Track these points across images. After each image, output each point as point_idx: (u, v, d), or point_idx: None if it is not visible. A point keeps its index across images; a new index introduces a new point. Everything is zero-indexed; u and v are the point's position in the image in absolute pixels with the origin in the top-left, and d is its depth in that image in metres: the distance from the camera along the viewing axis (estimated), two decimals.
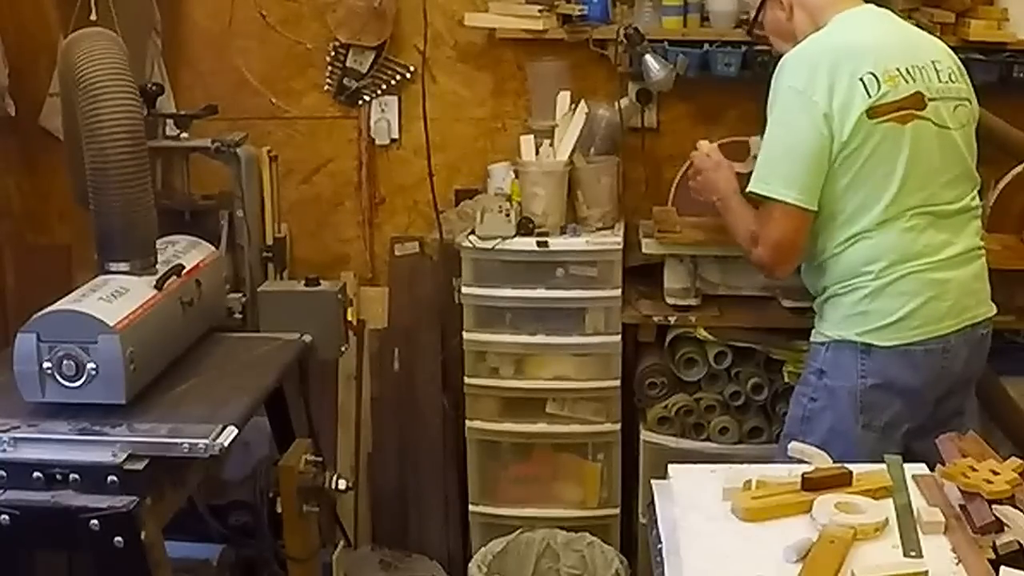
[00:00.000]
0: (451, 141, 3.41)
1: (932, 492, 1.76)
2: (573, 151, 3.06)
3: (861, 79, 2.30)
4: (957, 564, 1.58)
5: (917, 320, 2.34)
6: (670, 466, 1.91)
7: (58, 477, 1.92)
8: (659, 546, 1.75)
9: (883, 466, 1.84)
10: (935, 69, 2.40)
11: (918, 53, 2.40)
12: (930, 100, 2.35)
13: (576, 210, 3.10)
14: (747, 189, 2.40)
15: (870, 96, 2.29)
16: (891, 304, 2.34)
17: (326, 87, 3.40)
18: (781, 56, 2.44)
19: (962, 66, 2.49)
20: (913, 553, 1.60)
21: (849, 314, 2.38)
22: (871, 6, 2.47)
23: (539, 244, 3.01)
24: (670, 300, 3.04)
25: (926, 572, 1.54)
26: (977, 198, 2.49)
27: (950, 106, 2.39)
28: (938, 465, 1.81)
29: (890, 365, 2.36)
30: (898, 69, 2.34)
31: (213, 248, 2.60)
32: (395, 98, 3.40)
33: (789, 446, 1.94)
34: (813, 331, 2.50)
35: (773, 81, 2.37)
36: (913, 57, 2.38)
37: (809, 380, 2.46)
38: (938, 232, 2.38)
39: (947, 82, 2.40)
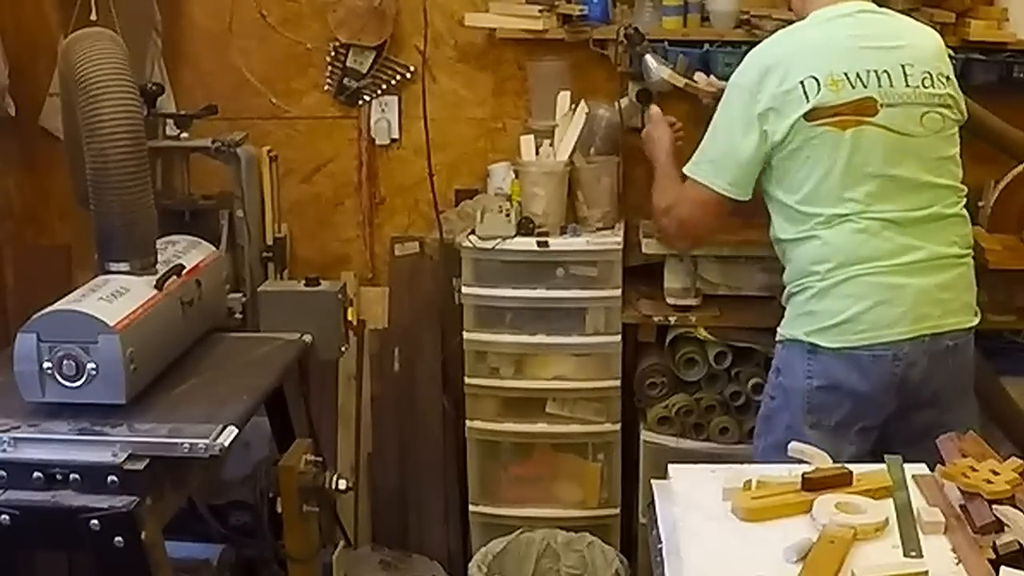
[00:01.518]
0: (451, 141, 3.41)
1: (932, 492, 1.76)
2: (573, 151, 3.06)
3: (802, 82, 2.32)
4: (957, 564, 1.58)
5: (863, 324, 2.31)
6: (670, 466, 1.90)
7: (58, 477, 1.92)
8: (659, 546, 1.75)
9: (883, 466, 1.84)
10: (904, 73, 2.35)
11: (883, 56, 2.36)
12: (885, 106, 2.32)
13: (576, 210, 3.10)
14: (683, 168, 2.54)
15: (808, 100, 2.31)
16: (836, 305, 2.33)
17: (326, 87, 3.40)
18: None
19: (951, 70, 2.46)
20: (913, 553, 1.60)
21: (799, 313, 2.40)
22: (855, 1, 2.44)
23: (539, 244, 3.01)
24: (670, 300, 3.04)
25: (926, 572, 1.54)
26: (958, 206, 2.43)
27: (915, 112, 2.35)
28: (938, 465, 1.81)
29: (835, 367, 2.34)
30: (846, 74, 2.32)
31: (213, 248, 2.60)
32: (395, 98, 3.40)
33: (790, 446, 1.94)
34: None
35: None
36: (873, 61, 2.34)
37: (770, 379, 2.50)
38: (897, 236, 2.33)
39: (917, 87, 2.36)
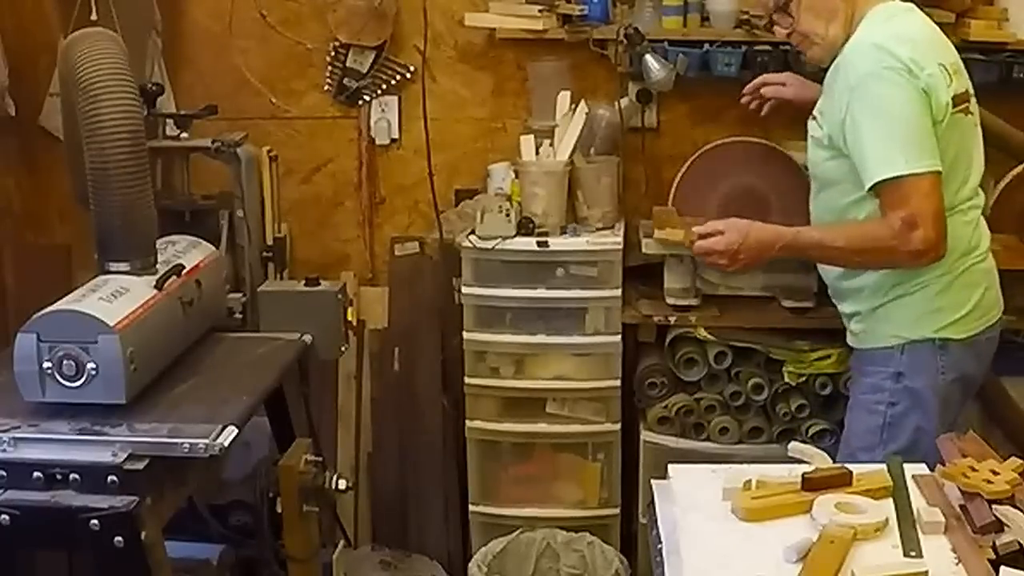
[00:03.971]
0: (451, 141, 3.41)
1: (932, 492, 1.77)
2: (573, 151, 3.06)
3: (942, 66, 2.31)
4: (957, 564, 1.58)
5: (980, 310, 2.40)
6: (670, 466, 1.91)
7: (58, 477, 1.92)
8: (659, 546, 1.76)
9: (883, 466, 1.84)
10: (964, 67, 2.43)
11: (954, 51, 2.43)
12: (971, 96, 2.40)
13: (576, 210, 3.10)
14: (877, 178, 2.24)
15: (950, 84, 2.31)
16: (961, 296, 2.38)
17: (326, 87, 3.40)
18: (798, 46, 2.49)
19: None
20: (913, 553, 1.60)
21: (924, 312, 2.38)
22: (899, 1, 2.44)
23: (539, 244, 3.01)
24: (670, 300, 3.04)
25: (926, 572, 1.55)
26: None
27: (974, 103, 2.44)
28: (938, 465, 1.81)
29: (965, 358, 2.40)
30: (954, 64, 2.37)
31: (213, 248, 2.59)
32: (395, 98, 3.40)
33: (789, 446, 1.94)
34: (862, 334, 2.48)
35: (844, 73, 2.31)
36: (955, 54, 2.41)
37: (883, 386, 2.42)
38: (982, 223, 2.45)
39: (969, 79, 2.44)
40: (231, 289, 2.70)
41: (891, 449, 2.35)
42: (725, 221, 2.46)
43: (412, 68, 3.36)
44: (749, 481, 1.77)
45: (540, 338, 3.09)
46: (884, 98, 2.26)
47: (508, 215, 3.00)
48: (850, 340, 2.57)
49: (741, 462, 1.89)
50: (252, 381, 2.30)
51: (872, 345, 2.46)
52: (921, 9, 2.46)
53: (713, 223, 2.46)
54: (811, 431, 2.99)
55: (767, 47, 3.06)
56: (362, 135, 3.43)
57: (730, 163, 3.12)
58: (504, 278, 3.06)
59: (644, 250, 3.05)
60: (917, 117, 2.25)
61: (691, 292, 3.04)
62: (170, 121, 2.79)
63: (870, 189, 2.27)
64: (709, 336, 3.02)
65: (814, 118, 2.47)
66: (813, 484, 1.74)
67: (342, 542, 2.89)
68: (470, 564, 3.06)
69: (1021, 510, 1.65)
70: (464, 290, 3.09)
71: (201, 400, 2.16)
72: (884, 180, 2.24)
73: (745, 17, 3.12)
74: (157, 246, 2.31)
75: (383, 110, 3.41)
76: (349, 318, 2.75)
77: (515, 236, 3.01)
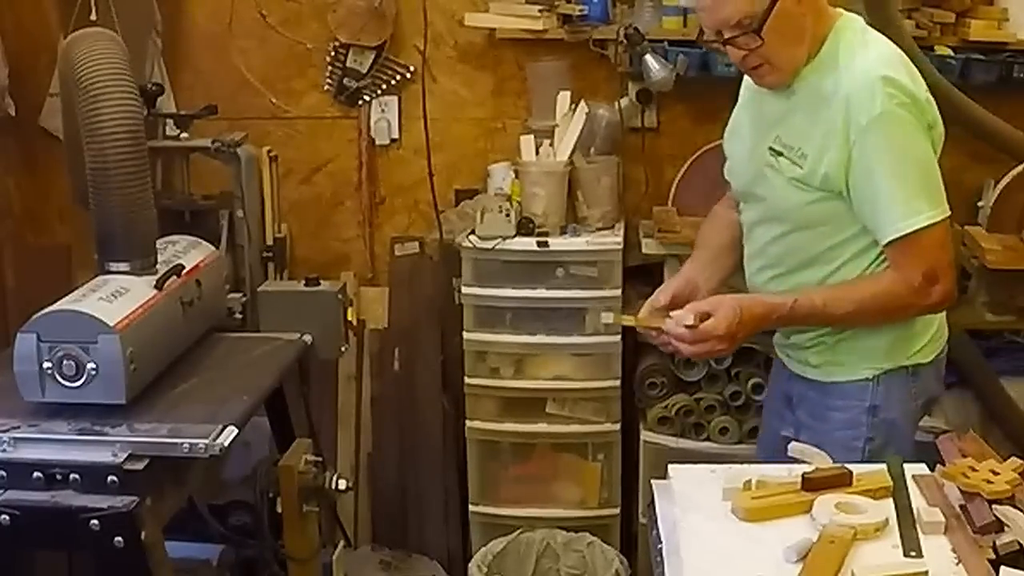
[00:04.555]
0: (451, 141, 3.41)
1: (932, 492, 1.76)
2: (573, 151, 3.06)
3: (926, 95, 2.10)
4: (957, 564, 1.58)
5: (941, 329, 2.26)
6: (670, 466, 1.91)
7: (58, 477, 1.92)
8: (659, 546, 1.76)
9: (883, 466, 1.84)
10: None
11: None
12: None
13: (576, 210, 3.10)
14: (899, 234, 2.04)
15: (937, 116, 2.13)
16: (926, 319, 2.21)
17: (326, 87, 3.40)
18: (752, 70, 2.13)
19: None
20: (913, 553, 1.60)
21: (899, 338, 2.19)
22: (846, 12, 2.18)
23: (539, 244, 3.01)
24: None
25: (926, 572, 1.54)
26: None
27: None
28: (938, 465, 1.81)
29: (930, 380, 2.26)
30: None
31: (213, 248, 2.59)
32: (395, 98, 3.40)
33: (790, 446, 1.93)
34: (827, 366, 2.22)
35: (849, 110, 2.03)
36: None
37: (859, 421, 2.20)
38: None
39: None
40: (231, 289, 2.70)
41: None
42: (707, 301, 2.12)
43: (412, 68, 3.36)
44: (749, 481, 1.77)
45: (540, 338, 3.09)
46: (900, 140, 2.04)
47: (508, 215, 3.00)
48: (806, 372, 2.26)
49: (741, 462, 1.89)
50: (252, 381, 2.30)
51: (842, 379, 2.21)
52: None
53: (694, 305, 2.10)
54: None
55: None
56: (362, 135, 3.43)
57: None
58: (504, 278, 3.06)
59: (644, 250, 3.05)
60: (929, 158, 2.08)
61: None
62: (170, 121, 2.79)
63: (887, 244, 2.07)
64: None
65: (780, 154, 2.13)
66: (813, 484, 1.74)
67: (342, 542, 2.88)
68: (470, 564, 3.06)
69: (1021, 510, 1.65)
70: (464, 290, 3.09)
71: (201, 400, 2.16)
72: (906, 233, 2.04)
73: None
74: (157, 246, 2.31)
75: (383, 110, 3.41)
76: (349, 318, 2.75)
77: (515, 236, 3.01)
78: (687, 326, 2.05)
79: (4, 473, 1.93)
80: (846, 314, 2.13)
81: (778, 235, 2.19)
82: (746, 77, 2.24)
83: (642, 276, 3.17)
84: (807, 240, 2.16)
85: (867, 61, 2.06)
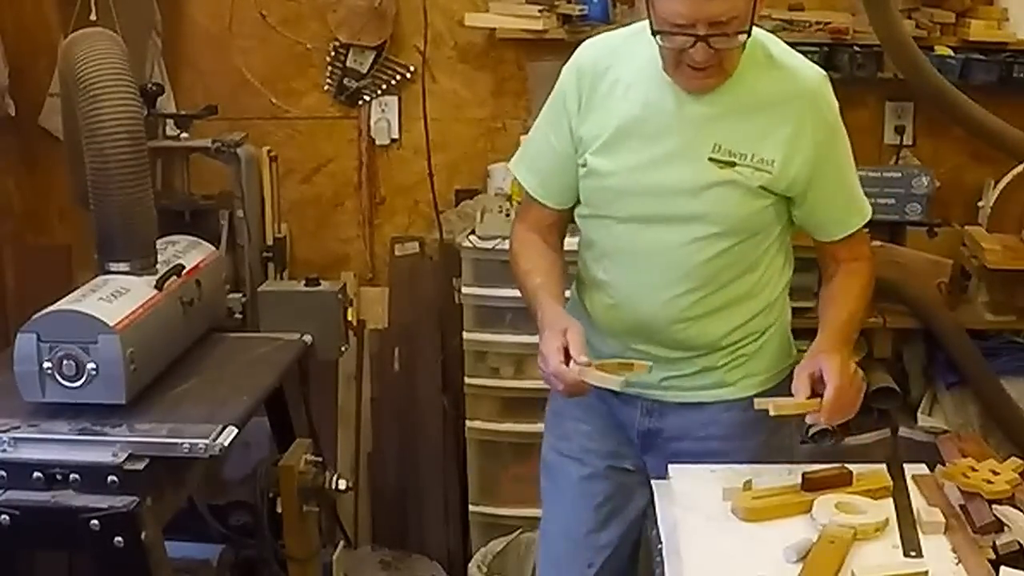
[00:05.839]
0: (451, 141, 3.41)
1: (932, 492, 1.77)
2: None
3: None
4: (957, 564, 1.58)
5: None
6: (670, 466, 1.91)
7: (58, 477, 1.92)
8: (659, 546, 1.76)
9: (883, 466, 1.84)
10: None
11: None
12: None
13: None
14: (863, 222, 2.10)
15: None
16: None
17: (326, 87, 3.40)
18: (703, 74, 1.90)
19: None
20: (913, 553, 1.60)
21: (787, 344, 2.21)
22: None
23: None
24: None
25: (926, 572, 1.55)
26: None
27: None
28: (938, 465, 1.82)
29: None
30: None
31: (213, 248, 2.60)
32: (395, 98, 3.40)
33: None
34: (745, 383, 2.09)
35: (817, 110, 1.99)
36: None
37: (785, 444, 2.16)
38: None
39: None
40: (231, 289, 2.70)
41: None
42: (829, 383, 1.86)
43: (412, 68, 3.36)
44: (749, 481, 1.77)
45: None
46: (843, 140, 2.07)
47: (508, 215, 3.00)
48: (702, 397, 2.11)
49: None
50: (252, 381, 2.30)
51: (760, 389, 2.09)
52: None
53: (833, 389, 1.85)
54: (811, 431, 2.98)
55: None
56: (362, 135, 3.43)
57: None
58: (504, 278, 3.04)
59: None
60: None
61: None
62: (170, 121, 2.79)
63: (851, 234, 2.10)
64: None
65: (731, 164, 1.96)
66: (813, 484, 1.74)
67: (342, 542, 2.88)
68: (470, 564, 3.06)
69: (1021, 510, 1.65)
70: (464, 290, 3.09)
71: (201, 400, 2.16)
72: (863, 226, 2.11)
73: None
74: (157, 246, 2.32)
75: (383, 110, 3.41)
76: (349, 318, 2.75)
77: None
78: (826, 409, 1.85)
79: (4, 473, 1.93)
80: (864, 312, 2.13)
81: (722, 250, 2.01)
82: (600, 83, 2.01)
83: None
84: (748, 249, 2.04)
85: (802, 59, 2.03)
